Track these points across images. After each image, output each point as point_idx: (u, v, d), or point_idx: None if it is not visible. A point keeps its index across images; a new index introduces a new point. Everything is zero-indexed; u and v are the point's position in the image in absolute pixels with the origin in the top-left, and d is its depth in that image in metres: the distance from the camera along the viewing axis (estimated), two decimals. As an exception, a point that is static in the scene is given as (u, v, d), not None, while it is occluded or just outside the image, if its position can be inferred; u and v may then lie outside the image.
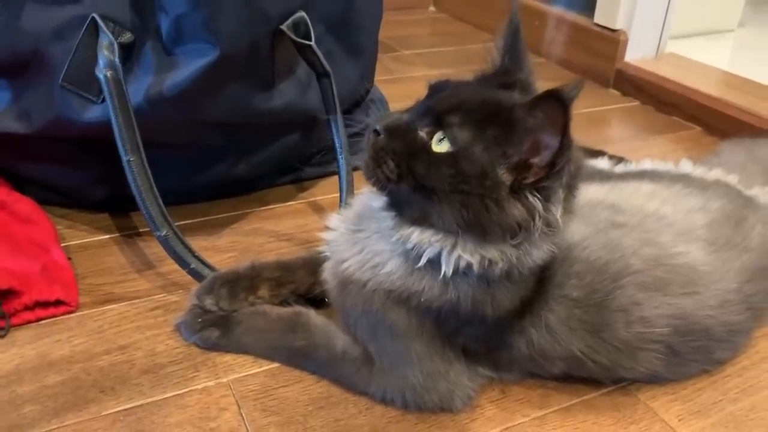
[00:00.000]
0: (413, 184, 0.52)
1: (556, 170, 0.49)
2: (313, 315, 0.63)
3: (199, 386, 0.60)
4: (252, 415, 0.57)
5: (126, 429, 0.55)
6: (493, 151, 0.50)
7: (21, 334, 0.65)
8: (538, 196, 0.50)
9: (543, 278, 0.57)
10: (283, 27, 0.72)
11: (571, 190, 0.52)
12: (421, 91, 0.56)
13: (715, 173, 0.78)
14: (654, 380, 0.62)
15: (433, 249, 0.52)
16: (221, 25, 0.66)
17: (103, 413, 0.57)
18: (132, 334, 0.66)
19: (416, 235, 0.53)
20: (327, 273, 0.62)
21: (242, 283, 0.65)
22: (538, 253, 0.53)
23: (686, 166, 0.80)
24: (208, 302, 0.64)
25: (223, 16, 0.66)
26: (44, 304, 0.68)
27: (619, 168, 0.85)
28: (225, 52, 0.67)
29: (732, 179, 0.77)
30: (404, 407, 0.58)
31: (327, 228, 0.63)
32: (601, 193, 0.69)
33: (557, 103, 0.47)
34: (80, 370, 0.61)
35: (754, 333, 0.69)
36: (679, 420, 0.60)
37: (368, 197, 0.59)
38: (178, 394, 0.59)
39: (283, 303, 0.66)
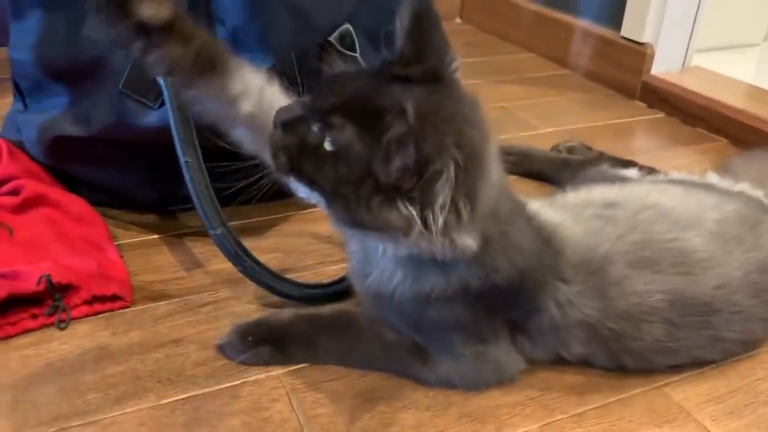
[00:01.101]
0: (305, 181, 0.53)
1: (426, 179, 0.48)
2: (357, 312, 0.66)
3: (250, 378, 0.63)
4: (302, 406, 0.60)
5: (184, 417, 0.59)
6: (368, 157, 0.50)
7: (80, 327, 0.68)
8: (412, 204, 0.49)
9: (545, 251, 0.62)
10: (331, 38, 0.75)
11: (466, 193, 0.51)
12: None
13: (741, 186, 0.81)
14: (673, 358, 0.66)
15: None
16: (274, 36, 0.70)
17: (161, 402, 0.60)
18: (184, 329, 0.69)
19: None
20: (356, 284, 0.65)
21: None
22: (461, 244, 0.53)
23: (713, 178, 0.83)
24: (243, 358, 0.64)
25: (276, 28, 0.70)
26: (101, 299, 0.71)
27: (648, 178, 0.88)
28: (276, 61, 0.71)
29: (758, 193, 0.80)
30: (458, 387, 0.63)
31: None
32: (600, 192, 0.74)
33: (400, 118, 0.47)
34: (137, 361, 0.65)
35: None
36: (713, 420, 0.62)
37: None
38: (231, 386, 0.62)
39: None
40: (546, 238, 0.64)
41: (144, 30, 0.54)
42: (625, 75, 1.42)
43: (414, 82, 0.52)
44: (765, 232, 0.71)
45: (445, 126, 0.49)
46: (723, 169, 0.99)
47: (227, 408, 0.60)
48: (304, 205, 0.92)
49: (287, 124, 0.53)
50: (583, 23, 1.54)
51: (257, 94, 0.60)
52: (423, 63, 0.53)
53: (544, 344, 0.65)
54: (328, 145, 0.51)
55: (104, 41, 0.73)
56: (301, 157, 0.53)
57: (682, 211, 0.70)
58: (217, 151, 0.62)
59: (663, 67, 1.39)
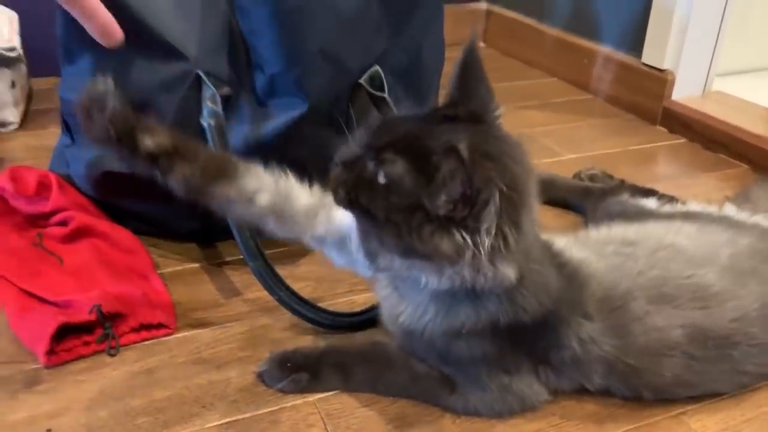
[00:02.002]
0: (361, 212, 0.58)
1: (477, 210, 0.53)
2: (389, 343, 0.70)
3: (288, 404, 0.67)
4: (338, 430, 0.64)
5: (228, 440, 0.63)
6: (421, 189, 0.54)
7: (129, 354, 0.73)
8: (463, 232, 0.54)
9: (570, 286, 0.66)
10: (362, 81, 0.80)
11: (509, 220, 0.55)
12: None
13: (756, 218, 0.84)
14: (693, 391, 0.69)
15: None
16: (309, 83, 0.75)
17: (206, 426, 0.64)
18: (225, 355, 0.73)
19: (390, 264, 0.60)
20: (386, 321, 0.69)
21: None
22: (502, 274, 0.57)
23: (729, 210, 0.86)
24: (281, 385, 0.69)
25: (312, 75, 0.75)
26: (147, 327, 0.76)
27: (666, 208, 0.91)
28: (312, 105, 0.76)
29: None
30: (484, 416, 0.66)
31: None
32: (620, 230, 0.78)
33: (452, 154, 0.52)
34: (183, 387, 0.69)
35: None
36: None
37: None
38: (270, 411, 0.66)
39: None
40: (570, 275, 0.67)
41: (153, 157, 0.62)
42: (646, 101, 1.45)
43: (459, 122, 0.58)
44: None
45: (491, 160, 0.54)
46: (742, 197, 1.02)
47: (268, 430, 0.64)
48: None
49: (346, 162, 0.59)
50: (604, 49, 1.57)
51: (272, 186, 0.67)
52: (468, 105, 0.59)
53: (567, 376, 0.68)
54: (381, 178, 0.56)
55: (149, 86, 0.78)
56: (358, 190, 0.57)
57: (697, 249, 0.74)
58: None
59: (684, 93, 1.42)
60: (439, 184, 0.53)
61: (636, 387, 0.68)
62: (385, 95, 0.82)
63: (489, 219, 0.53)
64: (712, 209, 0.88)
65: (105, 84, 0.63)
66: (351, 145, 0.59)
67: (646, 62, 1.45)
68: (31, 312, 0.76)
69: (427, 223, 0.55)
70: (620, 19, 1.53)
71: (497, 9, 1.94)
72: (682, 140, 1.38)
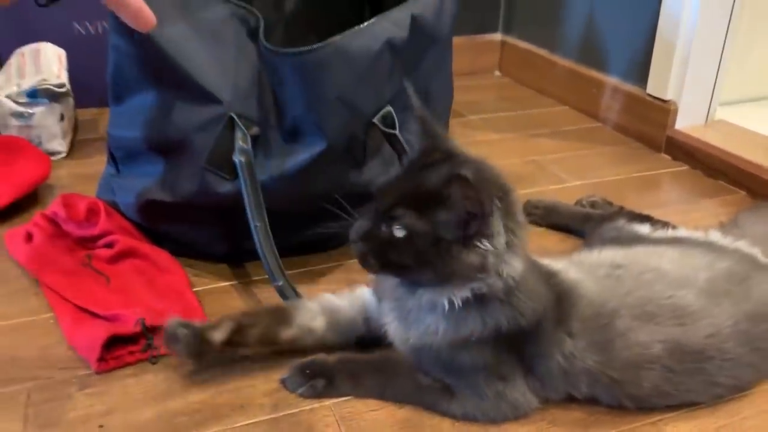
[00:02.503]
0: (395, 268, 0.69)
1: (486, 220, 0.65)
2: (396, 356, 0.78)
3: (307, 408, 0.76)
4: (350, 431, 0.73)
5: (254, 437, 0.72)
6: (435, 225, 0.66)
7: (168, 361, 0.83)
8: (483, 240, 0.66)
9: (559, 302, 0.74)
10: (375, 120, 0.90)
11: (511, 218, 0.68)
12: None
13: (739, 244, 0.91)
14: (668, 400, 0.76)
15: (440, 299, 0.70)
16: (328, 124, 0.85)
17: (235, 425, 0.74)
18: (253, 364, 0.82)
19: (423, 297, 0.70)
20: (394, 340, 0.77)
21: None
22: (514, 267, 0.69)
23: (714, 236, 0.93)
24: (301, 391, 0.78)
25: (330, 118, 0.85)
26: (184, 338, 0.86)
27: (657, 234, 0.99)
28: (330, 143, 0.86)
29: (754, 251, 0.90)
30: (480, 421, 0.74)
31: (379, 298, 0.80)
32: (610, 254, 0.86)
33: (460, 180, 0.63)
34: (215, 391, 0.78)
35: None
36: None
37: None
38: (291, 413, 0.75)
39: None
40: (561, 294, 0.76)
41: (229, 343, 0.78)
42: (651, 130, 1.53)
43: (439, 162, 0.69)
44: (754, 286, 0.81)
45: (484, 178, 0.66)
46: (732, 223, 1.09)
47: (289, 430, 0.73)
48: (350, 255, 1.06)
49: (363, 237, 0.70)
50: (612, 80, 1.65)
51: (320, 310, 0.82)
52: (442, 146, 0.71)
53: (554, 386, 0.75)
54: (399, 233, 0.67)
55: (188, 127, 0.89)
56: (384, 253, 0.69)
57: (678, 272, 0.82)
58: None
59: (686, 122, 1.49)
60: (451, 212, 0.65)
61: (618, 397, 0.76)
62: (396, 132, 0.92)
63: (497, 224, 0.66)
64: (698, 235, 0.96)
65: (172, 328, 0.77)
66: (359, 223, 0.71)
67: (651, 93, 1.53)
68: (83, 325, 0.87)
69: (452, 248, 0.66)
70: (627, 52, 1.61)
71: (512, 40, 2.03)
72: (685, 167, 1.45)
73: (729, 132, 1.47)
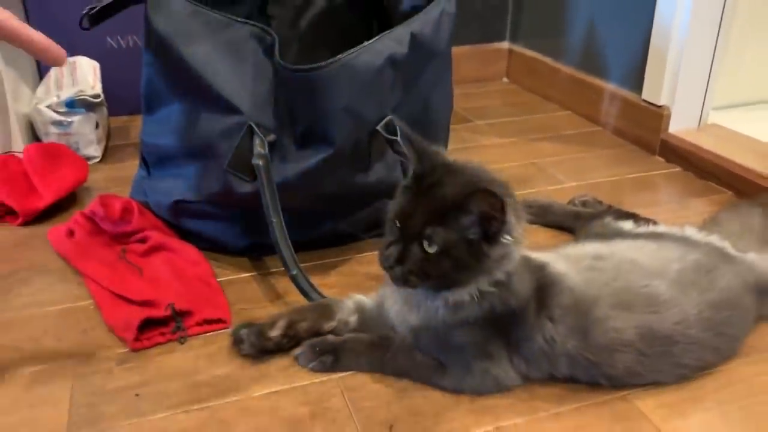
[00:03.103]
0: (435, 280, 0.79)
1: (505, 218, 0.75)
2: (394, 336, 0.88)
3: (317, 380, 0.87)
4: (353, 400, 0.83)
5: (269, 405, 0.83)
6: (463, 233, 0.76)
7: (195, 342, 0.94)
8: (504, 234, 0.77)
9: (542, 291, 0.83)
10: (378, 127, 1.00)
11: (517, 213, 0.79)
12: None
13: (711, 238, 1.00)
14: (639, 380, 0.84)
15: (463, 296, 0.80)
16: (335, 133, 0.96)
17: (255, 394, 0.84)
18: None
19: (450, 295, 0.80)
20: (395, 321, 0.87)
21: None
22: (515, 254, 0.80)
23: (689, 231, 1.02)
24: (312, 365, 0.88)
25: (337, 126, 0.95)
26: (209, 321, 0.96)
27: (639, 230, 1.08)
28: (337, 149, 0.97)
29: (724, 244, 0.98)
30: (467, 393, 0.84)
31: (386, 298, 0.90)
32: (594, 247, 0.95)
33: (486, 194, 0.73)
34: (236, 366, 0.89)
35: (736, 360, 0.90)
36: (662, 420, 0.80)
37: None
38: (302, 385, 0.86)
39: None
40: (547, 283, 0.85)
41: (284, 336, 0.90)
42: (646, 133, 1.62)
43: (445, 179, 0.79)
44: (718, 277, 0.90)
45: (494, 184, 0.78)
46: (712, 220, 1.18)
47: (300, 399, 0.84)
48: (360, 250, 1.16)
49: (399, 260, 0.79)
50: (611, 86, 1.74)
51: (354, 308, 0.93)
52: (437, 162, 0.80)
53: (537, 366, 0.85)
54: (432, 250, 0.77)
55: (212, 134, 1.00)
56: (423, 270, 0.78)
57: (652, 264, 0.90)
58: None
59: (679, 126, 1.57)
60: (470, 215, 0.75)
61: (595, 376, 0.84)
62: (398, 138, 1.02)
63: (511, 219, 0.77)
64: (675, 230, 1.05)
65: (236, 331, 0.91)
66: (389, 251, 0.79)
67: (646, 99, 1.61)
68: (120, 309, 0.98)
69: (482, 245, 0.77)
70: (624, 60, 1.70)
71: (518, 48, 2.13)
72: (677, 169, 1.53)
73: (720, 135, 1.55)
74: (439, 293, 0.81)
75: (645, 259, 0.92)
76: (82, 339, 0.95)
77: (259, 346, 0.89)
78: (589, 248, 0.97)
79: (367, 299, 0.94)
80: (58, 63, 0.75)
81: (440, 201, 0.77)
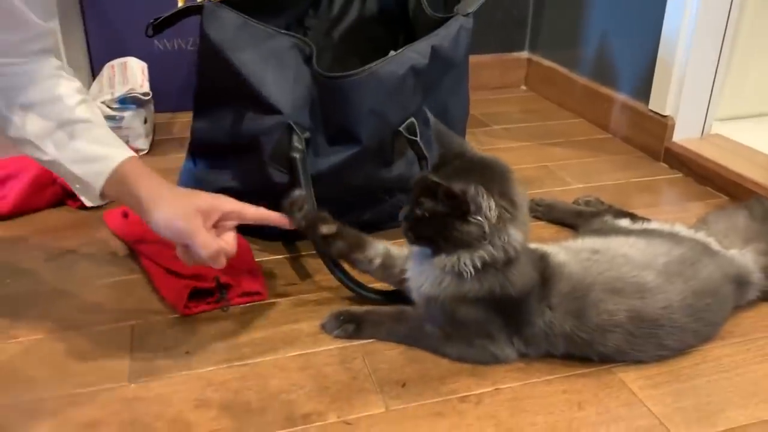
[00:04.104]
0: (425, 239, 0.94)
1: (475, 201, 0.87)
2: (408, 309, 1.02)
3: (340, 345, 1.00)
4: (371, 362, 0.97)
5: (298, 365, 0.96)
6: (438, 207, 0.89)
7: (236, 311, 1.08)
8: (476, 216, 0.88)
9: (544, 281, 0.94)
10: (400, 128, 1.14)
11: (507, 202, 0.90)
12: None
13: (698, 235, 1.11)
14: (626, 357, 0.95)
15: (452, 263, 0.92)
16: (362, 133, 1.10)
17: (287, 355, 0.98)
18: (300, 315, 1.07)
19: (441, 260, 0.93)
20: (411, 288, 1.00)
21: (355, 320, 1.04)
22: (513, 236, 0.91)
23: (678, 228, 1.14)
24: (336, 332, 1.02)
25: (364, 126, 1.09)
26: (249, 294, 1.10)
27: (635, 226, 1.20)
28: (364, 146, 1.10)
29: (709, 240, 1.10)
30: (469, 362, 0.96)
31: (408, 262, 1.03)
32: (591, 242, 1.06)
33: (431, 183, 0.88)
34: (271, 331, 1.03)
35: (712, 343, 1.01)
36: (640, 389, 0.92)
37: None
38: (327, 348, 0.99)
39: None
40: (549, 273, 0.96)
41: (325, 237, 1.04)
42: (652, 141, 1.73)
43: (447, 164, 0.94)
44: (701, 268, 1.01)
45: (472, 172, 0.91)
46: (702, 220, 1.29)
47: (326, 360, 0.97)
48: (381, 238, 1.29)
49: (404, 217, 0.95)
50: (621, 97, 1.85)
51: (383, 253, 1.05)
52: (454, 149, 0.95)
53: (536, 346, 0.96)
54: (420, 214, 0.92)
55: (256, 131, 1.14)
56: (416, 228, 0.94)
57: (642, 257, 1.01)
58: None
59: (683, 135, 1.68)
60: (445, 201, 0.89)
61: (587, 353, 0.96)
62: (417, 139, 1.15)
63: (484, 204, 0.87)
64: (666, 227, 1.16)
65: (301, 195, 1.05)
66: (403, 209, 0.96)
67: (652, 108, 1.72)
68: (171, 281, 1.12)
69: (457, 223, 0.89)
70: (634, 72, 1.81)
71: (537, 58, 2.25)
72: (679, 175, 1.64)
73: (720, 145, 1.66)
74: (433, 259, 0.94)
75: (636, 253, 1.03)
76: (138, 305, 1.10)
77: (310, 227, 1.04)
78: (587, 243, 1.09)
79: (396, 251, 1.05)
80: (285, 225, 1.04)
81: (431, 180, 0.91)
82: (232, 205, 1.00)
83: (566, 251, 1.04)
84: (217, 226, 0.99)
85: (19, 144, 0.98)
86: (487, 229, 0.89)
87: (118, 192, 0.97)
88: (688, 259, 1.03)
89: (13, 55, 0.94)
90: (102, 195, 0.98)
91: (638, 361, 0.97)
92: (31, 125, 0.95)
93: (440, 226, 0.91)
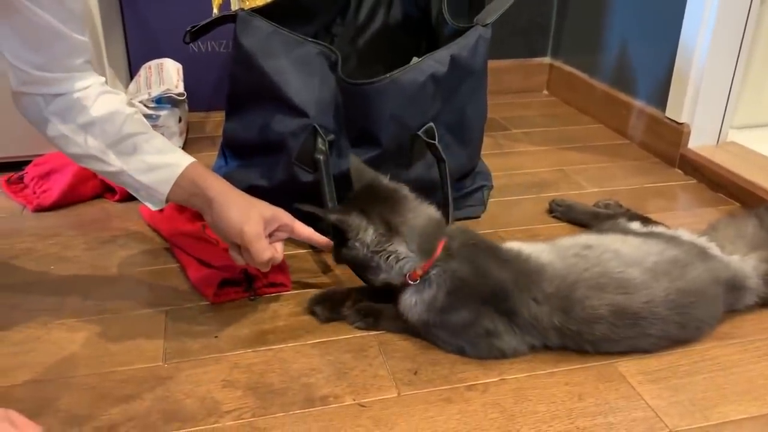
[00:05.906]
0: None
1: (348, 229, 1.00)
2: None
3: (358, 334, 1.07)
4: (386, 350, 1.04)
5: (319, 351, 1.03)
6: (334, 237, 1.05)
7: (262, 300, 1.16)
8: (355, 242, 1.01)
9: (524, 275, 1.01)
10: (419, 133, 1.21)
11: (394, 217, 1.01)
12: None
13: (699, 239, 1.16)
14: (616, 346, 1.01)
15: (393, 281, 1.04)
16: (383, 137, 1.17)
17: (309, 341, 1.05)
18: (321, 305, 1.15)
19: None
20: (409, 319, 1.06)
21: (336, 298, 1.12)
22: (400, 251, 1.01)
23: (680, 232, 1.19)
24: (317, 309, 1.11)
25: (385, 130, 1.16)
26: (274, 284, 1.18)
27: (643, 229, 1.24)
28: (384, 149, 1.17)
29: (710, 245, 1.14)
30: (474, 357, 1.02)
31: None
32: (586, 238, 1.12)
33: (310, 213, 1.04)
34: (294, 320, 1.11)
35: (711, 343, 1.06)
36: (639, 383, 0.98)
37: None
38: (347, 337, 1.07)
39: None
40: (531, 270, 1.02)
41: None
42: (668, 147, 1.77)
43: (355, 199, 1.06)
44: (691, 270, 1.05)
45: (359, 201, 1.03)
46: (711, 226, 1.33)
47: (344, 348, 1.04)
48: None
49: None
50: (639, 103, 1.89)
51: None
52: (362, 182, 1.08)
53: (531, 336, 1.02)
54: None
55: (283, 133, 1.22)
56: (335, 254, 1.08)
57: (631, 255, 1.06)
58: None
59: (698, 143, 1.72)
60: (331, 230, 1.02)
61: (579, 343, 1.02)
62: (435, 142, 1.22)
63: (355, 229, 1.00)
64: (670, 231, 1.21)
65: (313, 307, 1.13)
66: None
67: (669, 116, 1.76)
68: (202, 271, 1.20)
69: (344, 249, 1.02)
70: (652, 79, 1.85)
71: (558, 63, 2.30)
72: (693, 181, 1.68)
73: (735, 153, 1.69)
74: None
75: (627, 250, 1.08)
76: (171, 293, 1.18)
77: (332, 317, 1.11)
78: (581, 238, 1.14)
79: None
80: (324, 247, 1.15)
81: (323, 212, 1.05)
82: (288, 219, 1.09)
83: (552, 250, 1.08)
84: (271, 235, 1.07)
85: (82, 159, 1.05)
86: (365, 251, 1.00)
87: (185, 194, 1.05)
88: (680, 261, 1.07)
89: (57, 69, 0.99)
90: (167, 200, 1.05)
91: (637, 355, 1.03)
92: (93, 142, 1.03)
93: (341, 253, 1.04)
